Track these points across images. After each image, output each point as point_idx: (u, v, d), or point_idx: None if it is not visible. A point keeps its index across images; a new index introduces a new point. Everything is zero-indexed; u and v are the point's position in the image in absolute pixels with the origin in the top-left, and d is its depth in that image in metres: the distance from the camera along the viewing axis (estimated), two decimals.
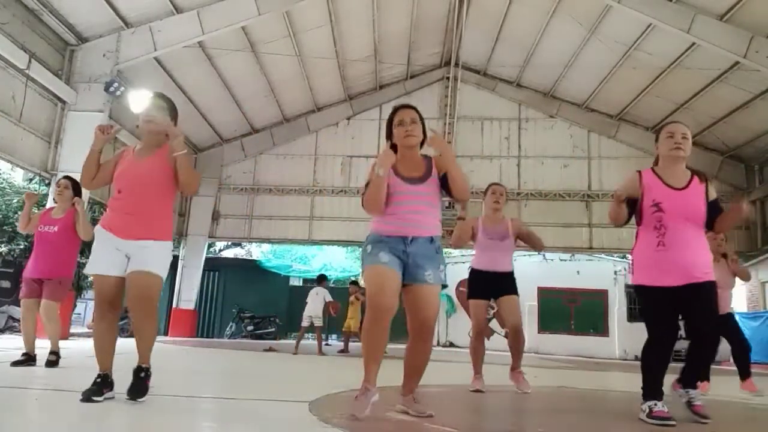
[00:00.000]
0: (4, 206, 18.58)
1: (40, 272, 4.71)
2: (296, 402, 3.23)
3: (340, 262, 21.41)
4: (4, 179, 19.64)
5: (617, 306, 16.80)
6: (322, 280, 10.71)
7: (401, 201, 2.97)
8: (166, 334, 15.28)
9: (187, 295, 15.51)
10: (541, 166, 15.68)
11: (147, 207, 3.03)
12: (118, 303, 3.04)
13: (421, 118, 3.07)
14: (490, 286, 4.57)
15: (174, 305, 15.53)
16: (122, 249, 2.97)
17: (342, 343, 11.38)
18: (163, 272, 3.04)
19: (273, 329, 17.04)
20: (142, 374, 2.93)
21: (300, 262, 20.19)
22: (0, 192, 18.97)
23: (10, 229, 18.31)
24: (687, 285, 3.01)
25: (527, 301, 16.47)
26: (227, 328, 17.08)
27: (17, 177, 20.50)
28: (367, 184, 3.04)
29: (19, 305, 11.81)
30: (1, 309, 11.65)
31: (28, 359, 4.60)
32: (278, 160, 16.24)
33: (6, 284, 13.05)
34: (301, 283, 21.42)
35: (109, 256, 2.97)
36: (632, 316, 16.86)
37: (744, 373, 5.36)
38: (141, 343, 3.01)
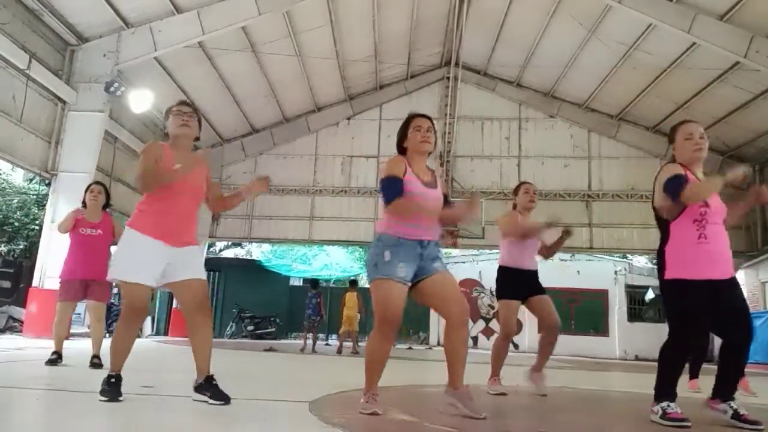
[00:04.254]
0: (4, 206, 18.57)
1: (89, 274, 4.85)
2: (296, 402, 3.23)
3: (341, 262, 21.40)
4: (4, 179, 19.64)
5: (618, 306, 16.80)
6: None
7: (419, 200, 3.00)
8: (166, 334, 15.30)
9: None
10: (541, 166, 15.67)
11: (192, 212, 3.14)
12: (147, 310, 3.10)
13: (434, 129, 3.18)
14: (521, 285, 4.41)
15: (174, 305, 15.52)
16: (167, 257, 2.97)
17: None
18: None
19: (273, 329, 17.06)
20: (214, 381, 2.99)
21: (300, 262, 20.20)
22: (0, 192, 18.97)
23: (10, 229, 18.31)
24: (727, 279, 2.99)
25: None
26: (227, 328, 17.09)
27: (17, 177, 20.51)
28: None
29: (18, 305, 11.89)
30: (1, 309, 11.65)
31: (59, 357, 4.76)
32: (278, 160, 16.24)
33: (6, 284, 13.06)
34: (301, 283, 21.43)
35: (152, 267, 2.96)
36: (632, 316, 16.87)
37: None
38: (203, 352, 3.02)
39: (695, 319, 3.00)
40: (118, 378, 2.94)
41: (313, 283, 12.39)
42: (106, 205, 5.08)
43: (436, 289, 2.93)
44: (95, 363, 4.71)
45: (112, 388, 2.87)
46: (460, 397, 2.85)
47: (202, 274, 3.09)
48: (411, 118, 3.15)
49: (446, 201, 3.15)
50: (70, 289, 4.86)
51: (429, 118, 3.18)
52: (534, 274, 4.48)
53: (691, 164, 3.15)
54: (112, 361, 2.98)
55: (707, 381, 5.21)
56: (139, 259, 2.93)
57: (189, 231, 3.10)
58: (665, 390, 2.99)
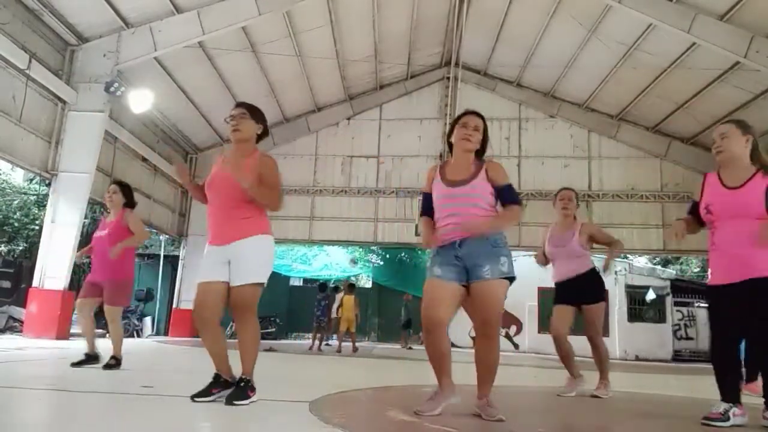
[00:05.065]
0: (4, 206, 18.58)
1: (98, 275, 4.88)
2: (296, 402, 3.23)
3: (341, 262, 21.40)
4: (4, 179, 19.66)
5: (617, 306, 16.79)
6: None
7: (442, 205, 3.07)
8: (166, 334, 15.29)
9: (187, 295, 15.47)
10: (541, 166, 15.67)
11: (234, 210, 3.11)
12: (218, 310, 3.10)
13: (486, 130, 3.13)
14: (572, 292, 4.48)
15: (174, 305, 15.53)
16: (224, 256, 3.06)
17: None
18: (261, 273, 3.09)
19: (273, 329, 17.06)
20: (242, 384, 3.02)
21: (300, 262, 20.20)
22: (0, 192, 18.98)
23: (10, 230, 18.31)
24: (746, 281, 2.92)
25: (527, 302, 16.45)
26: (227, 328, 17.06)
27: (17, 177, 20.53)
28: None
29: (18, 305, 11.92)
30: (1, 309, 11.65)
31: (88, 359, 4.72)
32: (278, 160, 16.00)
33: (6, 284, 13.06)
34: (301, 283, 21.42)
35: (212, 265, 3.08)
36: (632, 316, 16.86)
37: (752, 374, 5.32)
38: (242, 353, 3.09)
39: (712, 320, 3.12)
40: (215, 378, 3.07)
41: (322, 286, 12.90)
42: (130, 204, 5.00)
43: (470, 297, 2.95)
44: (109, 364, 4.65)
45: (205, 389, 3.02)
46: (480, 406, 2.90)
47: (244, 278, 3.04)
48: (461, 114, 3.16)
49: (504, 195, 3.00)
50: (85, 288, 4.89)
51: (480, 117, 3.13)
52: (576, 280, 4.49)
53: (720, 167, 3.18)
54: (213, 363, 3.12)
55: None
56: (202, 264, 3.14)
57: (230, 227, 3.08)
58: (720, 391, 3.02)
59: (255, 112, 3.27)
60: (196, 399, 2.96)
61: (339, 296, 12.16)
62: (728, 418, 2.89)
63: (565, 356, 4.48)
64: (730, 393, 2.98)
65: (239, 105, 3.28)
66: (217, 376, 3.07)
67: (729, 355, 3.05)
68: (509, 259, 2.95)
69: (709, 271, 3.16)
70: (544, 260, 4.70)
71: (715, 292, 3.07)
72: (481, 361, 2.95)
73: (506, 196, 3.02)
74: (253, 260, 3.07)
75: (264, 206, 3.16)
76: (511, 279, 2.94)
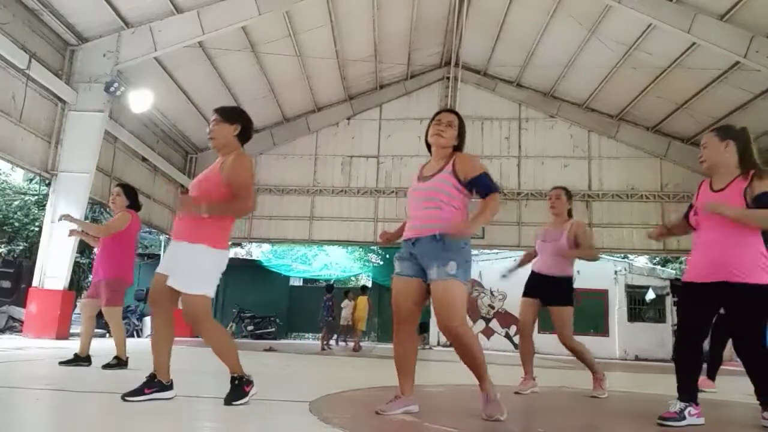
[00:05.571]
0: (4, 206, 18.59)
1: (95, 274, 4.97)
2: (296, 402, 3.24)
3: (341, 262, 21.40)
4: (4, 179, 19.66)
5: (617, 306, 16.80)
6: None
7: (409, 199, 3.12)
8: None
9: None
10: (541, 166, 15.68)
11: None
12: (162, 300, 3.05)
13: (462, 126, 3.13)
14: (541, 287, 4.55)
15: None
16: (170, 250, 3.11)
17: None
18: (194, 285, 2.96)
19: (273, 329, 17.09)
20: (236, 382, 3.03)
21: (300, 262, 20.20)
22: (0, 192, 18.98)
23: (10, 230, 18.32)
24: (722, 283, 2.95)
25: None
26: (227, 328, 16.96)
27: (17, 177, 20.53)
28: None
29: (18, 305, 11.93)
30: (1, 309, 11.65)
31: (76, 359, 4.75)
32: (278, 160, 16.25)
33: (6, 284, 13.05)
34: (301, 283, 21.41)
35: (164, 257, 3.16)
36: (632, 316, 16.85)
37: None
38: (219, 359, 3.11)
39: (679, 314, 3.19)
40: (150, 378, 3.02)
41: (328, 287, 13.49)
42: (134, 206, 5.03)
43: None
44: (110, 364, 4.67)
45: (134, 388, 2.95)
46: (482, 400, 2.90)
47: (177, 283, 2.94)
48: (437, 113, 3.21)
49: (480, 186, 2.91)
50: (89, 288, 5.00)
51: (455, 113, 3.18)
52: (557, 280, 4.52)
53: (711, 172, 3.23)
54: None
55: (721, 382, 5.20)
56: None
57: (182, 225, 3.06)
58: (678, 388, 3.05)
59: (226, 113, 3.19)
60: (127, 399, 2.88)
61: (345, 303, 12.48)
62: (684, 418, 2.91)
63: (526, 352, 4.59)
64: (687, 392, 3.01)
65: (214, 111, 3.22)
66: (152, 376, 3.02)
67: (691, 352, 3.08)
68: (460, 261, 2.82)
69: (687, 267, 3.23)
70: (524, 260, 4.92)
71: (687, 289, 3.13)
72: (463, 361, 2.96)
73: (482, 186, 2.92)
74: (187, 268, 2.96)
75: (235, 215, 3.13)
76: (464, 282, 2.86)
